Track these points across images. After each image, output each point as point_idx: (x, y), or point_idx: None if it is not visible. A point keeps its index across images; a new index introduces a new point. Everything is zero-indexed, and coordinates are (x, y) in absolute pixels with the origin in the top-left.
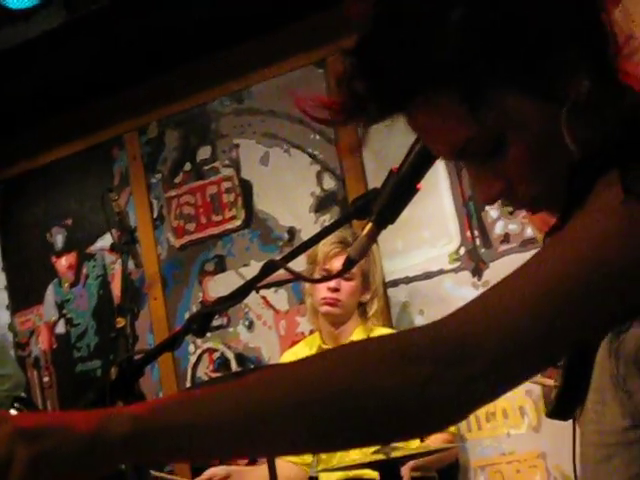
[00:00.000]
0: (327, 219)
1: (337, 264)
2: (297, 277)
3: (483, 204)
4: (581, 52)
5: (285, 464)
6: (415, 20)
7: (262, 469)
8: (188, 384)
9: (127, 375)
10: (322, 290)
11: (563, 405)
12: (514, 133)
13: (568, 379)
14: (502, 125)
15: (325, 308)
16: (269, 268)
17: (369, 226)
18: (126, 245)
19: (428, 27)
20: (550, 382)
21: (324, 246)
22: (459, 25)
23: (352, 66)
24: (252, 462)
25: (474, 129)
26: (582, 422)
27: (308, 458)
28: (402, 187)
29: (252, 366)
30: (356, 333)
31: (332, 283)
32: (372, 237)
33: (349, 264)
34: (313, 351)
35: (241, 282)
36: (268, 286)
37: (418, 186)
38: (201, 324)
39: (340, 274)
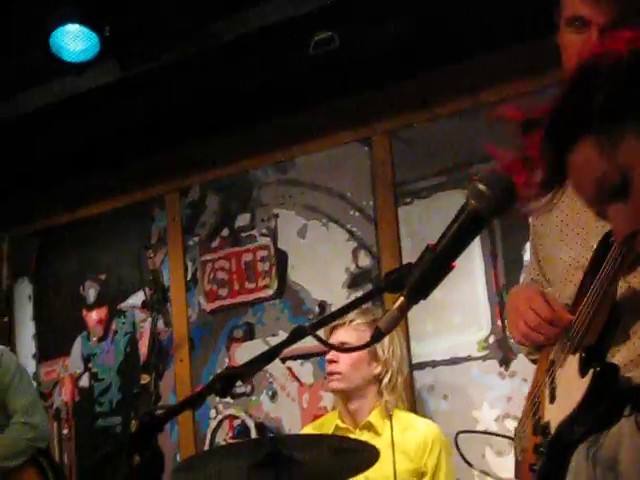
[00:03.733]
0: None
1: (335, 337)
2: (325, 345)
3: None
4: None
5: None
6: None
7: None
8: (206, 448)
9: (147, 429)
10: (327, 366)
11: None
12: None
13: None
14: (629, 163)
15: (329, 384)
16: (298, 334)
17: (401, 300)
18: (158, 303)
19: (586, 94)
20: None
21: None
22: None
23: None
24: None
25: (603, 165)
26: None
27: None
28: (437, 263)
29: (271, 434)
30: (374, 415)
31: (330, 355)
32: (403, 311)
33: (378, 336)
34: (330, 430)
35: None
36: (295, 358)
37: (453, 264)
38: (225, 385)
39: (367, 345)
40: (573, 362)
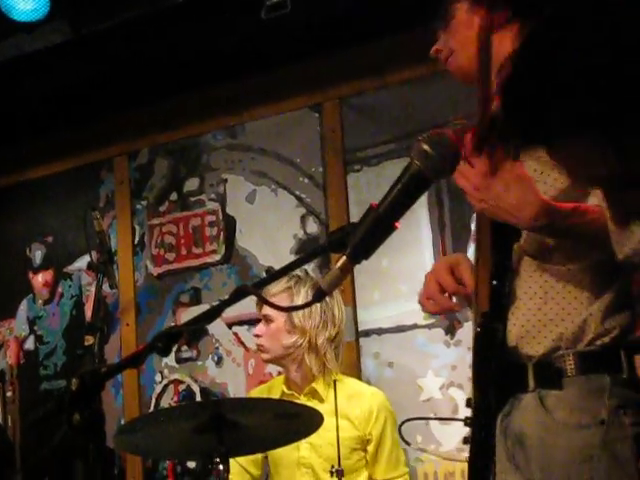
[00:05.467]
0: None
1: (263, 311)
2: (267, 303)
3: None
4: None
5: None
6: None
7: None
8: None
9: (88, 387)
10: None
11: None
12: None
13: (475, 455)
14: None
15: (260, 356)
16: (240, 293)
17: (343, 259)
18: (103, 264)
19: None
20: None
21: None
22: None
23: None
24: None
25: (614, 169)
26: None
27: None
28: (380, 223)
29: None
30: (318, 381)
31: (255, 330)
32: (345, 271)
33: (319, 295)
34: (277, 395)
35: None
36: (241, 323)
37: (396, 224)
38: (166, 343)
39: (309, 304)
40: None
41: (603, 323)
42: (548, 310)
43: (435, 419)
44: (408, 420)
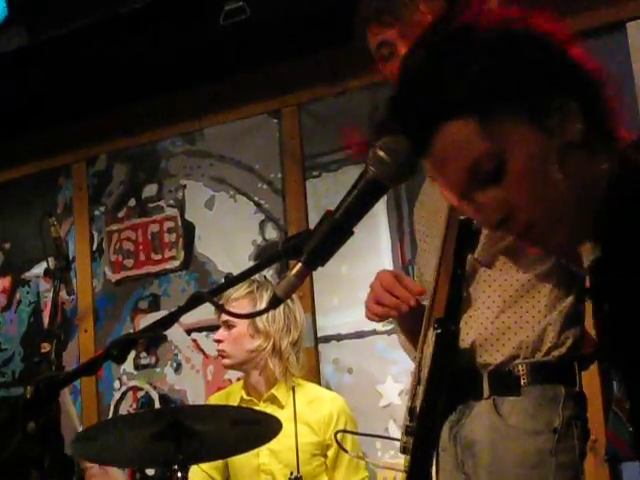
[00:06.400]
0: (266, 269)
1: (222, 317)
2: (222, 310)
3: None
4: (579, 102)
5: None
6: (448, 65)
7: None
8: None
9: (43, 395)
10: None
11: None
12: (514, 155)
13: (415, 464)
14: (505, 146)
15: (221, 362)
16: (196, 300)
17: (298, 266)
18: (60, 271)
19: (457, 68)
20: (400, 467)
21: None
22: (481, 66)
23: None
24: None
25: (481, 147)
26: None
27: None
28: (336, 230)
29: (173, 405)
30: (278, 387)
31: (216, 336)
32: (300, 277)
33: (275, 302)
34: (236, 402)
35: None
36: (200, 330)
37: (352, 231)
38: (121, 351)
39: (265, 311)
40: (431, 337)
41: (560, 333)
42: (506, 318)
43: (368, 435)
44: (339, 432)
